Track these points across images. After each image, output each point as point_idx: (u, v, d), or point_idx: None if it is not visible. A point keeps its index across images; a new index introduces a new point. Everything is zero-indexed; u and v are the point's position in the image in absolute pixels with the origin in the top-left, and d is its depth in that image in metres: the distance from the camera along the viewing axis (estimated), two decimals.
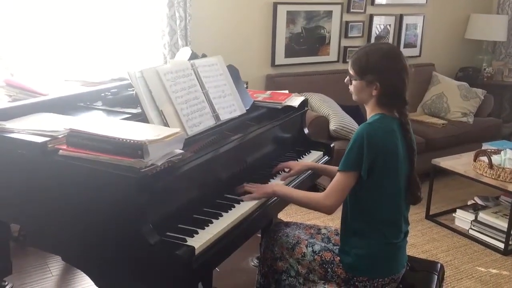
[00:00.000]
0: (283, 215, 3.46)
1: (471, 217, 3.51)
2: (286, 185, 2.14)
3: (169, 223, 1.65)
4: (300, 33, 4.40)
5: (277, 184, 2.08)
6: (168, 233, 1.60)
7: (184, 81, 1.99)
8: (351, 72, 1.88)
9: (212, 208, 1.81)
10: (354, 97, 1.93)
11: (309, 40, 4.46)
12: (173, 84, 1.93)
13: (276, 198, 1.99)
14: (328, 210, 1.84)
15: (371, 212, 1.84)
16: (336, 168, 1.85)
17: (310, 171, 2.32)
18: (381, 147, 1.77)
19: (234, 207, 1.85)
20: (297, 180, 2.24)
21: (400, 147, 1.82)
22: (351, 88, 1.91)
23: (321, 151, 2.57)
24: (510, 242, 3.23)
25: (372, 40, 4.82)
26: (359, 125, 1.87)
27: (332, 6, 4.50)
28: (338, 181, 1.81)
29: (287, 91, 2.70)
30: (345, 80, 1.93)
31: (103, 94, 2.23)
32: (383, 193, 1.82)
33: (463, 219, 3.57)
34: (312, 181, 2.45)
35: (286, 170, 2.23)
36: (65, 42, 3.34)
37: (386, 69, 1.82)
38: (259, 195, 1.93)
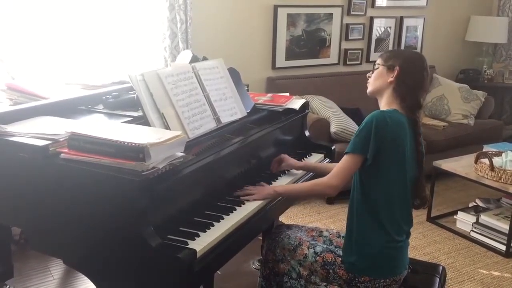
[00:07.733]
0: (284, 218, 3.46)
1: (473, 219, 3.50)
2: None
3: (170, 226, 1.65)
4: (301, 36, 4.40)
5: (276, 185, 2.08)
6: (169, 236, 1.60)
7: (185, 84, 2.00)
8: (377, 61, 1.95)
9: (213, 211, 1.81)
10: (369, 89, 1.97)
11: (309, 42, 4.47)
12: (174, 87, 1.93)
13: (277, 200, 1.99)
14: (333, 190, 1.87)
15: (377, 206, 1.85)
16: (327, 164, 1.84)
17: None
18: (389, 136, 1.80)
19: (235, 209, 1.85)
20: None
21: (408, 144, 1.85)
22: (370, 78, 1.96)
23: (322, 153, 2.57)
24: (511, 244, 3.22)
25: (373, 43, 4.83)
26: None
27: (333, 8, 4.50)
28: (344, 163, 1.84)
29: (288, 94, 2.70)
30: (367, 74, 1.99)
31: (104, 97, 2.23)
32: (390, 184, 1.84)
33: (464, 221, 3.57)
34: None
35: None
36: (66, 45, 3.34)
37: (411, 60, 1.91)
38: (261, 197, 1.93)
